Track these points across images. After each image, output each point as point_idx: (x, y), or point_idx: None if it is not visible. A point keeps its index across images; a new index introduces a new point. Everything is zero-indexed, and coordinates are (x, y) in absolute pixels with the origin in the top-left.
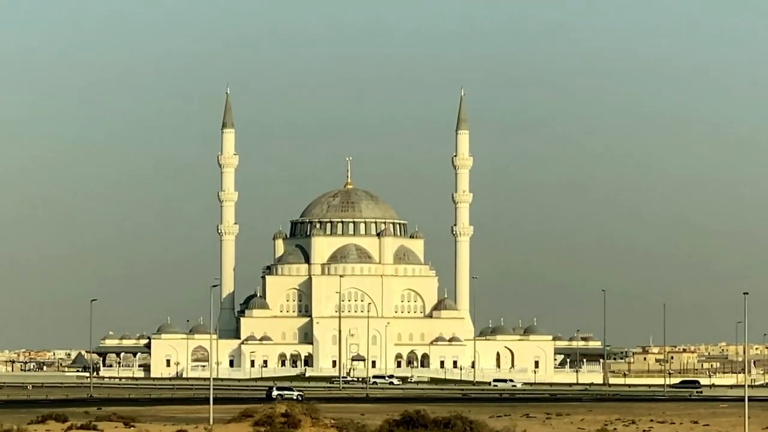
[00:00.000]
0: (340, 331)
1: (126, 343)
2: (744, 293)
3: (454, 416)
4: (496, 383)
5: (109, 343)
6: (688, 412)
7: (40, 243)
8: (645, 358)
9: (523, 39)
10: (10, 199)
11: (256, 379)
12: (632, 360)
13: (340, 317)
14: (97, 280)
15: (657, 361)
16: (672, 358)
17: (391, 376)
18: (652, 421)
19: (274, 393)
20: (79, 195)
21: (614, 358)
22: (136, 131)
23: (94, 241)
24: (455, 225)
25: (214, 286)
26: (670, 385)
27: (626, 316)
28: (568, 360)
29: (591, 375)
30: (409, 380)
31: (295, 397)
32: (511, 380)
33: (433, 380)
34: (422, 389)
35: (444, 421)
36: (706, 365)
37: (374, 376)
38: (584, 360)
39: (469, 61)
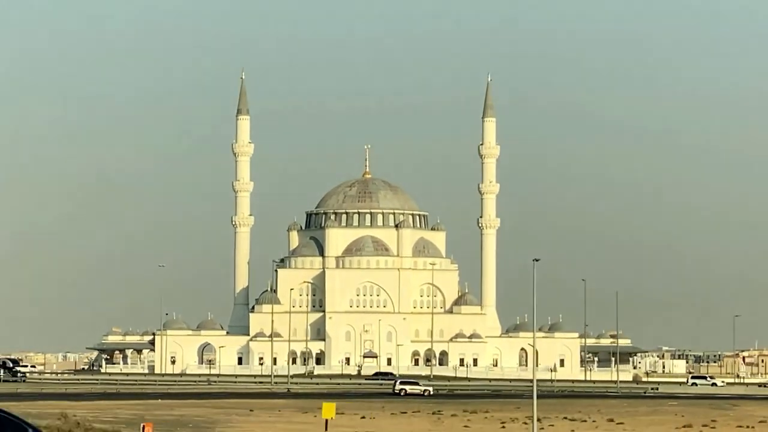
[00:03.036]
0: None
1: (130, 339)
2: (534, 259)
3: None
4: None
5: (112, 339)
6: (626, 410)
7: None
8: (735, 361)
9: (552, 22)
10: (20, 194)
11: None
12: (723, 363)
13: (354, 312)
14: (106, 275)
15: (747, 364)
16: (762, 361)
17: (712, 377)
18: (565, 418)
19: (397, 387)
20: (82, 185)
21: (707, 361)
22: (147, 120)
23: (101, 234)
24: (481, 217)
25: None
26: (366, 377)
27: (723, 320)
28: (595, 359)
29: (620, 374)
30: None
31: (421, 392)
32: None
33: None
34: (354, 384)
35: None
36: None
37: (693, 376)
38: (613, 358)
39: (496, 45)
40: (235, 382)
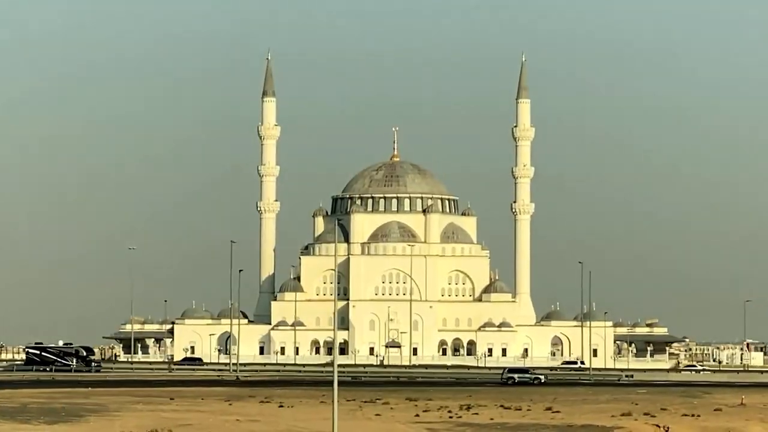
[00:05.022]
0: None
1: (148, 328)
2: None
3: None
4: None
5: (130, 328)
6: (584, 398)
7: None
8: None
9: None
10: (44, 177)
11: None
12: None
13: (378, 300)
14: (121, 262)
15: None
16: None
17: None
18: (500, 406)
19: (506, 375)
20: (100, 171)
21: None
22: (169, 102)
23: (118, 220)
24: (515, 202)
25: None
26: (175, 363)
27: None
28: (630, 348)
29: (656, 364)
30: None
31: (530, 380)
32: None
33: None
34: (306, 373)
35: None
36: None
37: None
38: (648, 347)
39: (531, 24)
40: (194, 369)
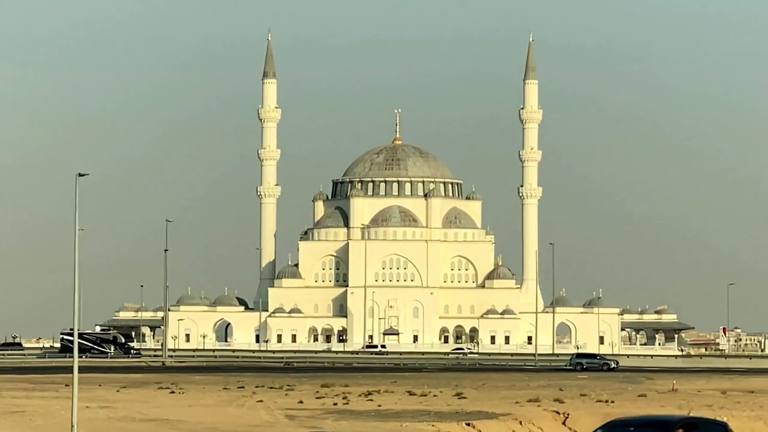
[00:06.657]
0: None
1: (143, 315)
2: None
3: None
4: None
5: (124, 315)
6: (515, 384)
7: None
8: None
9: None
10: (44, 168)
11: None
12: None
13: (378, 287)
14: (120, 251)
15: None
16: None
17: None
18: (407, 392)
19: (574, 361)
20: (97, 159)
21: None
22: (169, 84)
23: (119, 206)
24: (522, 186)
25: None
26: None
27: None
28: (637, 335)
29: (666, 350)
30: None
31: (599, 366)
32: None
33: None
34: (246, 358)
35: None
36: None
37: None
38: (657, 334)
39: (538, 2)
40: (131, 356)
